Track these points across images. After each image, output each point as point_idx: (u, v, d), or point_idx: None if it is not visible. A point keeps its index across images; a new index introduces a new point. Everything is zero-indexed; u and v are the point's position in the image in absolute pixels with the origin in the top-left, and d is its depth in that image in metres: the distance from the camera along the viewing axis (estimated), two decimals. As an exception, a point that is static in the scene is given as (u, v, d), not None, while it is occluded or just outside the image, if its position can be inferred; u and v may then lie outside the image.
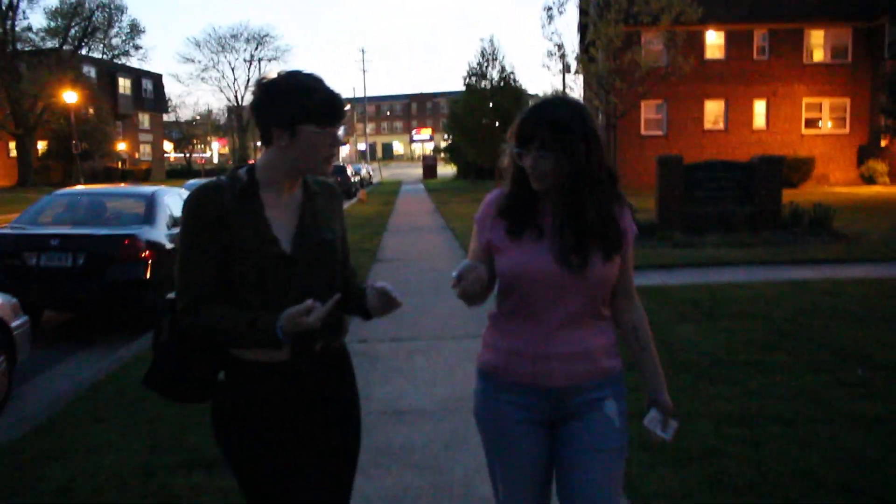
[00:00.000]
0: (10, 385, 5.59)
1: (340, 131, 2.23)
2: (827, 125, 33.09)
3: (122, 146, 60.35)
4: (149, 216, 8.23)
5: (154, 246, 7.82)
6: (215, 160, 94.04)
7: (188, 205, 2.11)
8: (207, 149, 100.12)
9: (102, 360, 6.63)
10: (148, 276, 7.60)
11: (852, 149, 32.53)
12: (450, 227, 17.56)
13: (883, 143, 30.77)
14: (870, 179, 30.71)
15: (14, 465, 4.13)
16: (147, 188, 9.27)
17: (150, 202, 8.44)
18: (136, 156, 64.42)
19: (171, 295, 2.19)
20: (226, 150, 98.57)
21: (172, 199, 8.88)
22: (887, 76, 21.76)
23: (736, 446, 4.06)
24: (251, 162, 2.22)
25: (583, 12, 31.08)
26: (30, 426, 4.75)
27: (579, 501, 2.18)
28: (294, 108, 2.07)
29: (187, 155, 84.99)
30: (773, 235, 12.83)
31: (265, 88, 2.12)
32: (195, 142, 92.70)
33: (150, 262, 7.65)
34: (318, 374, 2.24)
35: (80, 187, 11.05)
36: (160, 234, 8.10)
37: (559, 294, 2.14)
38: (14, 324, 5.70)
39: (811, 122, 33.16)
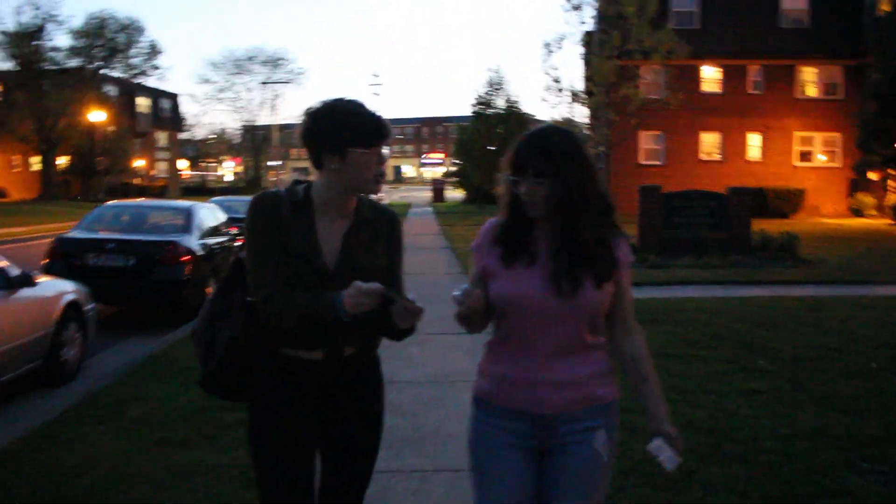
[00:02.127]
0: (84, 355, 6.99)
1: (386, 150, 2.36)
2: (819, 158, 34.31)
3: (139, 163, 62.00)
4: (186, 226, 9.68)
5: (191, 251, 9.25)
6: (228, 178, 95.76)
7: (256, 209, 2.31)
8: (220, 167, 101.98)
9: (151, 343, 8.01)
10: (186, 276, 9.02)
11: (843, 182, 33.62)
12: (452, 248, 18.92)
13: (871, 176, 31.99)
14: (858, 212, 31.94)
15: (101, 405, 5.51)
16: (184, 203, 10.75)
17: (188, 214, 9.90)
18: (153, 172, 66.10)
19: (249, 298, 2.35)
20: (240, 169, 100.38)
21: (205, 213, 10.33)
22: (865, 114, 23.10)
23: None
24: (311, 179, 2.44)
25: (586, 44, 32.56)
26: (110, 380, 6.15)
27: None
28: (342, 132, 2.23)
29: (202, 173, 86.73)
30: (740, 259, 14.13)
31: (313, 116, 2.29)
32: (209, 160, 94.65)
33: (187, 264, 9.07)
34: (346, 379, 2.41)
35: (126, 201, 12.53)
36: (195, 242, 9.54)
37: (550, 321, 2.20)
38: (86, 308, 7.10)
39: (804, 155, 34.41)
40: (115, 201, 11.39)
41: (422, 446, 4.75)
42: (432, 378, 6.37)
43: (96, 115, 44.47)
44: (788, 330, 8.08)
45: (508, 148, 2.27)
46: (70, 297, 6.81)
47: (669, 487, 3.94)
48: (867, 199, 31.83)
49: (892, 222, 27.51)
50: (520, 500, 2.24)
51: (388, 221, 2.46)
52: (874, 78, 24.52)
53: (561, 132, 2.28)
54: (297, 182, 2.39)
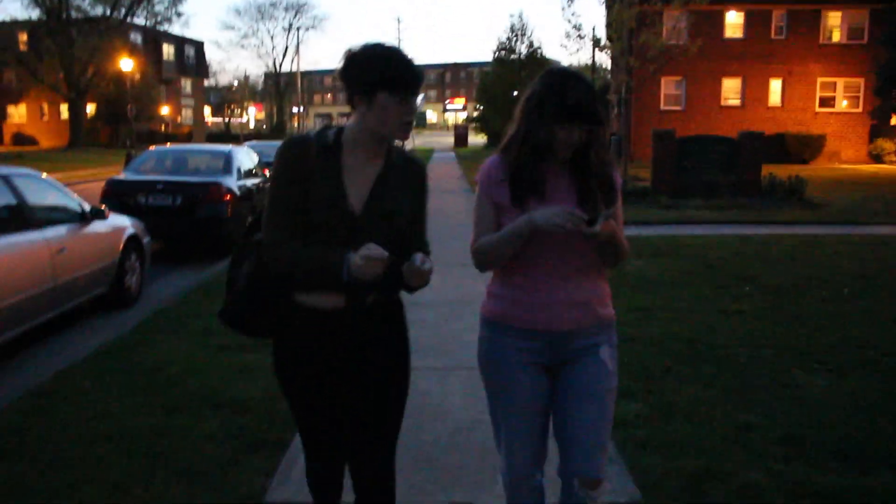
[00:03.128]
0: (142, 283, 7.88)
1: (419, 100, 2.33)
2: (841, 104, 34.36)
3: (165, 110, 62.76)
4: (226, 168, 10.50)
5: (231, 191, 10.09)
6: (251, 125, 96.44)
7: (280, 154, 2.30)
8: (244, 114, 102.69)
9: (199, 274, 8.89)
10: (227, 213, 9.87)
11: (865, 127, 33.70)
12: (473, 190, 19.62)
13: (893, 122, 32.09)
14: (877, 158, 32.14)
15: (167, 321, 6.41)
16: (224, 147, 11.58)
17: (227, 158, 10.74)
18: (179, 119, 66.89)
19: (258, 238, 2.37)
20: (262, 116, 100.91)
21: (242, 156, 11.15)
22: (883, 59, 23.29)
23: (633, 321, 6.18)
24: (342, 123, 2.43)
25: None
26: (169, 303, 7.05)
27: (577, 437, 2.40)
28: (372, 76, 2.21)
29: (226, 120, 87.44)
30: (749, 202, 14.78)
31: (349, 58, 2.28)
32: (233, 107, 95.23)
33: (229, 203, 9.92)
34: (370, 324, 2.40)
35: (170, 145, 13.37)
36: (234, 182, 10.36)
37: (567, 246, 2.33)
38: (144, 240, 7.98)
39: (826, 101, 34.47)
40: (160, 146, 12.25)
41: (442, 350, 5.59)
42: (451, 300, 7.19)
43: (124, 63, 45.03)
44: (779, 263, 8.81)
45: (553, 89, 2.29)
46: (131, 230, 7.67)
47: (646, 379, 4.76)
48: (887, 145, 32.02)
49: (910, 167, 27.86)
50: (537, 411, 2.43)
51: (417, 169, 2.47)
52: (883, 25, 24.57)
53: (583, 74, 2.39)
54: (326, 127, 2.38)
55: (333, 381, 2.43)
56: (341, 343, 2.39)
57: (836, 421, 4.14)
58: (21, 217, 5.86)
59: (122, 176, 10.42)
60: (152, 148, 11.95)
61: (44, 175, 6.80)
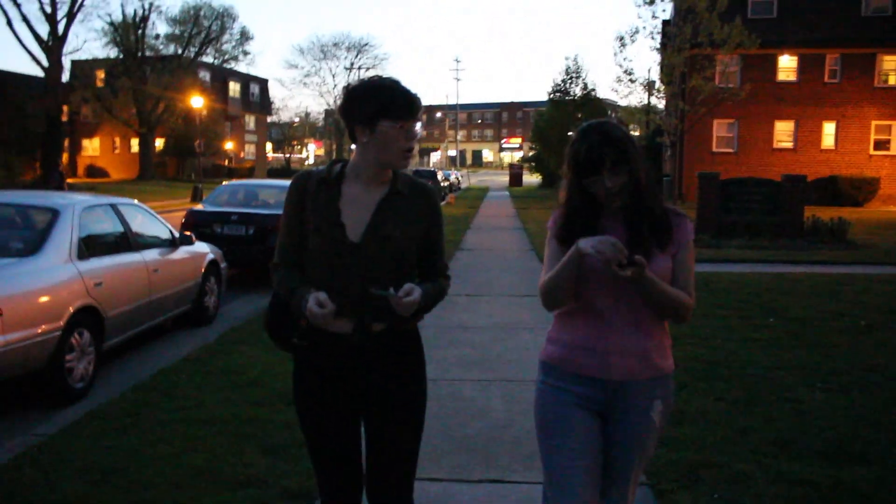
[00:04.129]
0: (219, 304, 8.79)
1: (417, 127, 2.41)
2: (896, 147, 34.39)
3: (229, 145, 65.00)
4: (294, 202, 11.46)
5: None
6: (310, 161, 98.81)
7: (290, 186, 2.52)
8: (304, 150, 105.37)
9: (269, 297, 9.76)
10: (295, 244, 10.79)
11: (921, 171, 33.70)
12: (525, 228, 20.39)
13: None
14: (934, 202, 32.00)
15: (244, 335, 7.25)
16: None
17: (295, 192, 11.71)
18: (242, 155, 69.12)
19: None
20: (321, 152, 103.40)
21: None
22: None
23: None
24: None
25: (662, 35, 33.41)
26: (243, 321, 7.93)
27: (606, 482, 2.50)
28: (372, 105, 2.33)
29: (287, 155, 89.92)
30: (791, 242, 15.21)
31: (349, 93, 2.43)
32: (294, 143, 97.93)
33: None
34: (381, 353, 2.46)
35: (240, 181, 14.46)
36: (301, 215, 11.30)
37: (622, 292, 2.38)
38: (222, 265, 8.90)
39: (880, 144, 34.45)
40: (233, 181, 13.32)
41: (486, 366, 6.31)
42: (499, 324, 7.92)
43: (194, 101, 47.13)
44: (807, 297, 9.34)
45: (568, 152, 2.41)
46: (211, 256, 8.60)
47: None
48: (943, 189, 31.85)
49: (965, 212, 27.70)
50: (590, 453, 2.43)
51: (425, 195, 2.53)
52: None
53: (611, 123, 2.45)
54: (335, 161, 2.51)
55: (345, 407, 2.49)
56: (351, 368, 2.46)
57: (825, 427, 4.74)
58: (126, 240, 6.80)
59: (201, 207, 11.45)
60: (225, 183, 13.01)
61: (139, 204, 7.76)
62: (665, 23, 30.93)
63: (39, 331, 5.23)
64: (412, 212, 2.47)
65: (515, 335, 7.43)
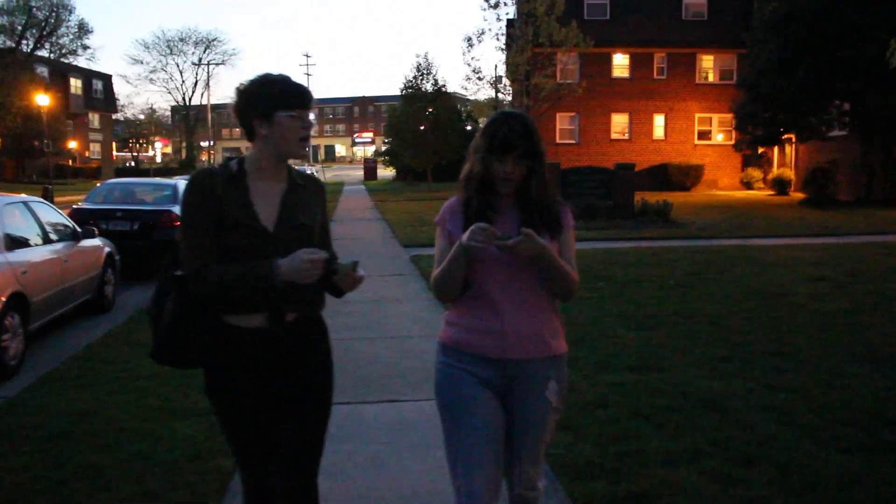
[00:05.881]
0: (115, 293, 9.52)
1: (311, 117, 2.53)
2: (717, 137, 38.03)
3: (72, 144, 62.35)
4: (174, 197, 12.17)
5: (179, 217, 11.81)
6: (157, 159, 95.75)
7: (190, 186, 2.50)
8: (151, 148, 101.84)
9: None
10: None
11: (738, 158, 37.22)
12: (385, 219, 21.64)
13: (761, 152, 35.81)
14: (748, 185, 35.75)
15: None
16: (169, 180, 13.25)
17: (174, 188, 12.42)
18: (87, 154, 66.44)
19: (179, 272, 2.49)
20: (168, 150, 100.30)
21: (184, 187, 12.96)
22: (737, 100, 26.73)
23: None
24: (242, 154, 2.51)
25: (508, 35, 35.54)
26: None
27: (514, 464, 2.63)
28: (268, 98, 2.45)
29: (134, 154, 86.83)
30: (623, 223, 17.26)
31: (243, 90, 2.51)
32: (141, 141, 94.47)
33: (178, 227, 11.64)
34: (292, 341, 2.57)
35: (122, 178, 14.90)
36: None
37: (514, 276, 2.51)
38: (116, 257, 9.63)
39: (703, 134, 38.05)
40: (113, 180, 13.81)
41: (369, 329, 7.55)
42: (373, 299, 9.14)
43: (38, 98, 44.96)
44: (631, 266, 11.15)
45: (487, 129, 2.52)
46: (108, 248, 9.33)
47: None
48: (755, 173, 35.62)
49: (773, 193, 31.33)
50: (493, 432, 2.54)
51: (316, 185, 2.70)
52: (744, 69, 28.12)
53: (530, 118, 2.58)
54: (229, 158, 2.55)
55: (262, 397, 2.56)
56: (267, 360, 2.54)
57: (633, 352, 6.31)
58: (41, 234, 7.53)
59: (84, 205, 11.97)
60: (99, 183, 13.49)
61: (45, 201, 8.42)
62: (510, 23, 33.00)
63: (-18, 313, 6.00)
64: (312, 201, 2.64)
65: (391, 306, 8.68)
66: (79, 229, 8.51)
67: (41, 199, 8.31)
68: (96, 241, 9.05)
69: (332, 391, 2.72)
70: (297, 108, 2.47)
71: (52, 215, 8.20)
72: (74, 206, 11.93)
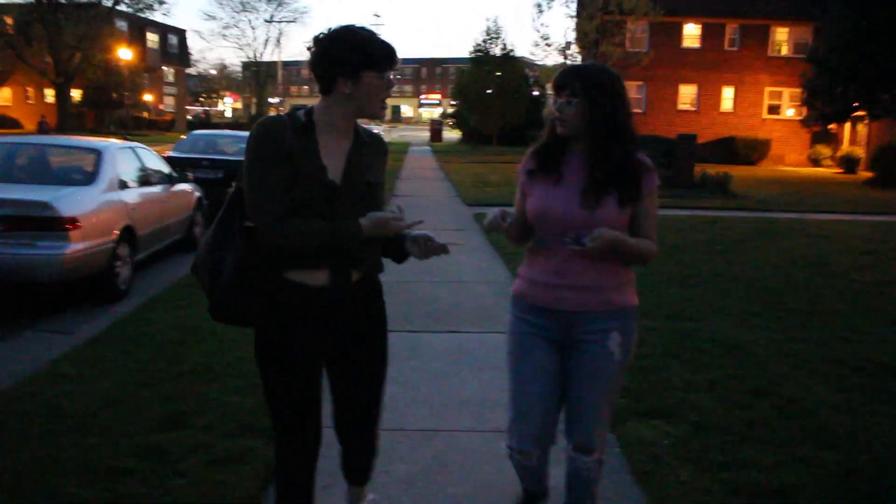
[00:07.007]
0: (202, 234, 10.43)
1: (393, 77, 2.47)
2: (786, 112, 37.58)
3: (148, 97, 64.29)
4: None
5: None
6: (227, 114, 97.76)
7: (258, 136, 2.40)
8: (221, 102, 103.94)
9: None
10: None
11: (807, 134, 36.72)
12: (449, 179, 22.31)
13: (831, 128, 35.24)
14: (816, 162, 35.32)
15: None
16: (246, 133, 14.19)
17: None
18: (161, 107, 68.42)
19: (248, 223, 2.45)
20: (238, 105, 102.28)
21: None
22: (806, 75, 26.46)
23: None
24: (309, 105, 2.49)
25: (578, 2, 35.54)
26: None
27: (576, 414, 2.65)
28: (357, 57, 2.35)
29: (206, 109, 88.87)
30: (682, 192, 17.58)
31: (327, 41, 2.39)
32: (212, 95, 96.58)
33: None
34: (351, 302, 2.57)
35: (207, 130, 15.95)
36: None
37: (571, 232, 2.47)
38: (204, 202, 10.53)
39: (773, 109, 37.68)
40: (199, 131, 14.87)
41: (431, 274, 8.26)
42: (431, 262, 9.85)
43: (115, 52, 46.50)
44: (684, 232, 11.63)
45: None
46: (197, 193, 10.24)
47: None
48: (824, 150, 35.15)
49: (840, 171, 30.98)
50: (546, 382, 2.61)
51: (382, 144, 2.66)
52: (813, 43, 27.70)
53: (601, 67, 2.56)
54: (295, 107, 2.49)
55: (315, 355, 2.57)
56: (325, 319, 2.53)
57: (674, 305, 6.90)
58: (145, 176, 8.44)
59: (172, 153, 12.96)
60: (184, 137, 14.58)
61: (148, 147, 9.32)
62: (579, -9, 33.10)
63: (101, 241, 6.91)
64: (376, 159, 2.62)
65: (452, 256, 9.28)
66: (175, 174, 9.41)
67: (144, 146, 9.19)
68: (188, 186, 9.95)
69: (387, 348, 2.74)
70: (385, 70, 2.43)
71: (154, 160, 9.11)
72: (164, 155, 12.91)
